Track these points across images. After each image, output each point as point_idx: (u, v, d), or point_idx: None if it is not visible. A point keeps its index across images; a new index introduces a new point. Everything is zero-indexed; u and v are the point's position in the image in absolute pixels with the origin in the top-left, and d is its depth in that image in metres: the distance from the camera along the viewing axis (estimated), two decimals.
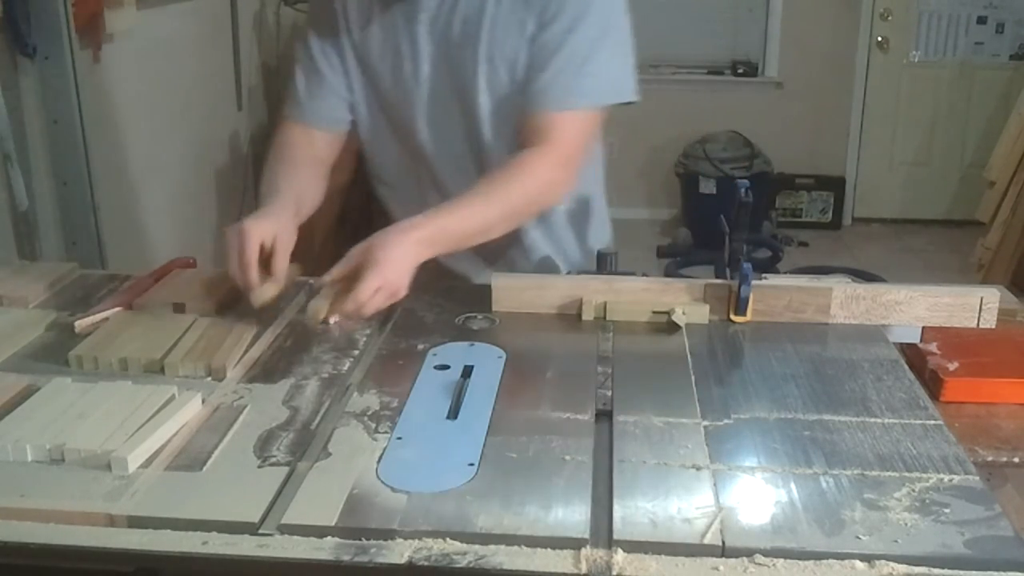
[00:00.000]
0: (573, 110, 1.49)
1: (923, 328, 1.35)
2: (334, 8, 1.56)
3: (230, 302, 1.38)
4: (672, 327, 1.35)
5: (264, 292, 1.31)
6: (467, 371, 1.21)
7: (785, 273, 2.09)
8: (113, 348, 1.26)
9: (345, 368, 1.24)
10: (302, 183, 1.53)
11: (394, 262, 1.30)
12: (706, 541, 0.87)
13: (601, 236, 1.75)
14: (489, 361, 1.25)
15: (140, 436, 1.02)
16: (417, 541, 0.88)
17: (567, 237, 1.70)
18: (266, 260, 1.34)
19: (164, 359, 1.23)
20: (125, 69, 2.68)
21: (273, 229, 1.35)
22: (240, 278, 1.32)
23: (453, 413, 1.11)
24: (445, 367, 1.24)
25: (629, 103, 1.55)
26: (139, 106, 2.81)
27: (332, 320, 1.32)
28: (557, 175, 1.49)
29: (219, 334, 1.30)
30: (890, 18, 5.47)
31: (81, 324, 1.34)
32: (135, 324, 1.34)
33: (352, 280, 1.29)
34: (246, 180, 3.62)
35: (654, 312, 1.37)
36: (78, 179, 2.31)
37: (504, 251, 1.63)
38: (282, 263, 1.34)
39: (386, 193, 1.73)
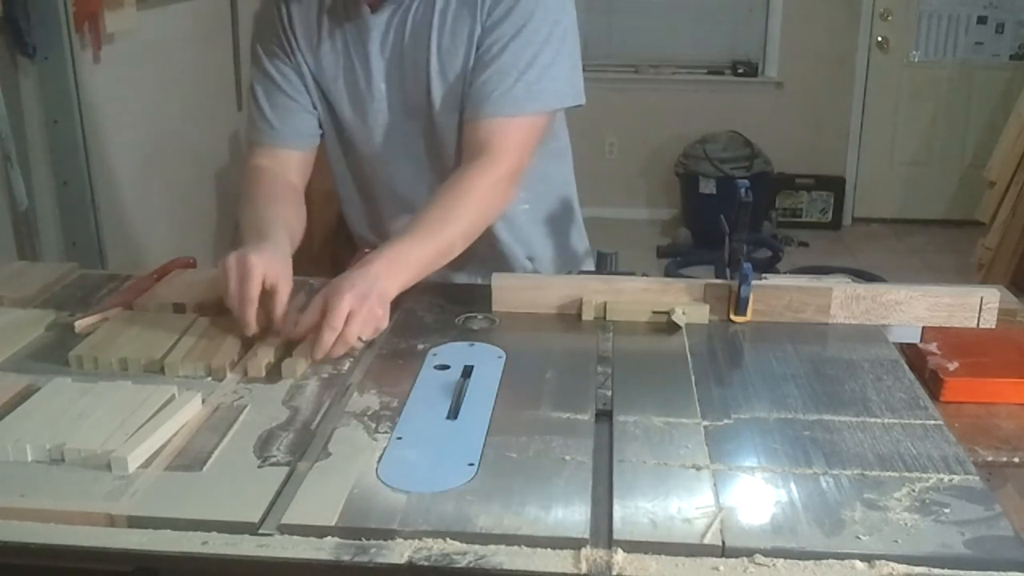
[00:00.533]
0: (516, 116, 1.47)
1: (923, 328, 1.35)
2: (280, 31, 1.54)
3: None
4: (672, 327, 1.35)
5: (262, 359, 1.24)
6: (467, 371, 1.21)
7: (785, 273, 2.09)
8: (113, 348, 1.26)
9: (345, 368, 1.24)
10: (289, 219, 1.48)
11: (360, 288, 1.25)
12: (706, 541, 0.87)
13: (578, 236, 1.75)
14: (489, 361, 1.25)
15: (140, 436, 1.02)
16: (417, 541, 0.88)
17: (538, 238, 1.69)
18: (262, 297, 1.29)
19: (164, 359, 1.23)
20: (125, 69, 2.68)
21: (276, 268, 1.29)
22: (238, 313, 1.26)
23: (453, 413, 1.11)
24: (445, 367, 1.23)
25: (576, 106, 1.54)
26: (139, 106, 2.81)
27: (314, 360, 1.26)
28: (504, 186, 1.47)
29: (219, 334, 1.30)
30: (890, 18, 5.47)
31: (81, 324, 1.34)
32: (135, 324, 1.34)
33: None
34: None
35: (654, 312, 1.37)
36: (78, 179, 2.31)
37: (476, 255, 1.58)
38: (281, 307, 1.28)
39: (349, 212, 1.71)
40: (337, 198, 1.72)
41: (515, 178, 1.49)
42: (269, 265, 1.28)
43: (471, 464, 1.00)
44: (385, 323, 1.30)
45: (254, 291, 1.25)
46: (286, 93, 1.55)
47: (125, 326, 1.33)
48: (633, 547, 0.87)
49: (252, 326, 1.25)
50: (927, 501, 0.93)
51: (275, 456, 1.02)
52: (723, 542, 0.87)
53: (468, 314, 1.40)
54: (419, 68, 1.50)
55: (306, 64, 1.55)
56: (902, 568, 0.84)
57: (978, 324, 1.34)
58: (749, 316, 1.37)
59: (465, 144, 1.50)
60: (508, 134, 1.46)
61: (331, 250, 3.45)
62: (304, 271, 1.42)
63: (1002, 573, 0.84)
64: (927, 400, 1.15)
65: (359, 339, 1.26)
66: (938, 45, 5.51)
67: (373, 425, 1.09)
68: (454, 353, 1.28)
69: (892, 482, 0.97)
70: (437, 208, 1.42)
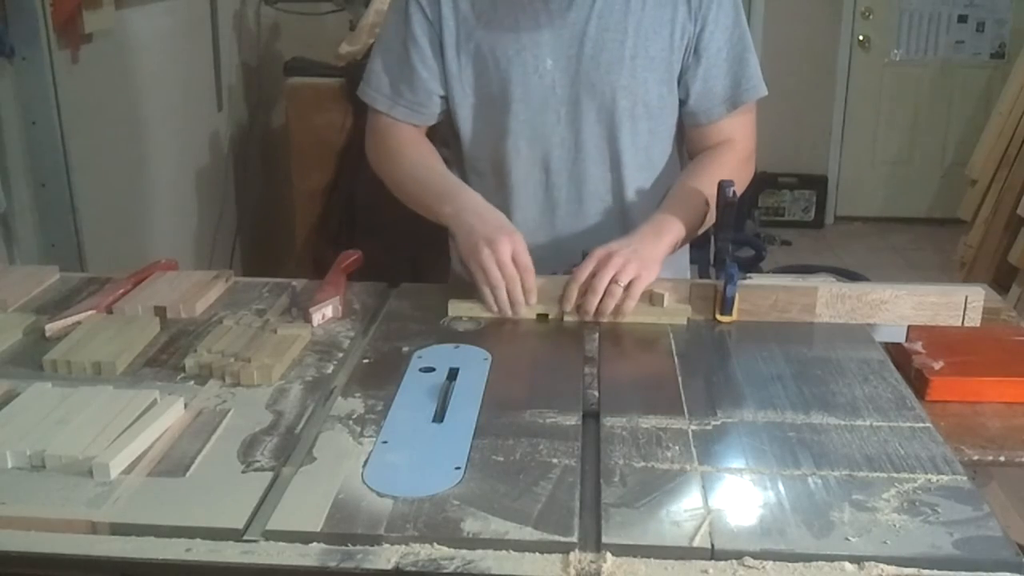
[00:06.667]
0: (745, 109, 1.57)
1: (908, 327, 1.36)
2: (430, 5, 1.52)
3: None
4: (659, 328, 1.35)
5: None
6: (452, 373, 1.21)
7: (768, 272, 2.09)
8: (87, 351, 1.24)
9: (329, 371, 1.23)
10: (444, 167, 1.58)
11: (623, 252, 1.35)
12: (695, 544, 0.87)
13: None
14: (474, 363, 1.24)
15: (122, 442, 1.01)
16: (404, 546, 0.87)
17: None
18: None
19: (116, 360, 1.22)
20: (104, 70, 2.65)
21: (518, 244, 1.38)
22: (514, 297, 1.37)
23: (439, 416, 1.10)
24: (430, 370, 1.23)
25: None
26: (118, 107, 2.79)
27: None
28: (748, 164, 1.60)
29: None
30: (871, 17, 5.50)
31: (52, 328, 1.32)
32: (109, 327, 1.32)
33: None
34: (227, 181, 3.60)
35: (641, 312, 1.37)
36: (57, 181, 2.29)
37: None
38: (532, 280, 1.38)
39: (478, 182, 1.65)
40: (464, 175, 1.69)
41: (753, 160, 1.61)
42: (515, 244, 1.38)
43: (457, 468, 0.99)
44: (651, 278, 1.37)
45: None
46: (415, 72, 1.55)
47: (99, 329, 1.31)
48: (622, 551, 0.86)
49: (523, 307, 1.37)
50: (916, 502, 0.93)
51: (259, 461, 1.01)
52: (712, 544, 0.87)
53: (453, 316, 1.39)
54: (607, 49, 1.49)
55: (464, 32, 1.52)
56: (891, 569, 0.84)
57: (963, 323, 1.35)
58: (735, 316, 1.37)
59: (701, 142, 1.59)
60: (745, 125, 1.59)
61: (312, 250, 3.43)
62: (285, 272, 1.41)
63: (991, 574, 0.84)
64: (914, 400, 1.15)
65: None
66: (919, 44, 5.53)
67: (358, 429, 1.08)
68: (439, 355, 1.27)
69: (880, 483, 0.97)
70: (691, 177, 1.53)
